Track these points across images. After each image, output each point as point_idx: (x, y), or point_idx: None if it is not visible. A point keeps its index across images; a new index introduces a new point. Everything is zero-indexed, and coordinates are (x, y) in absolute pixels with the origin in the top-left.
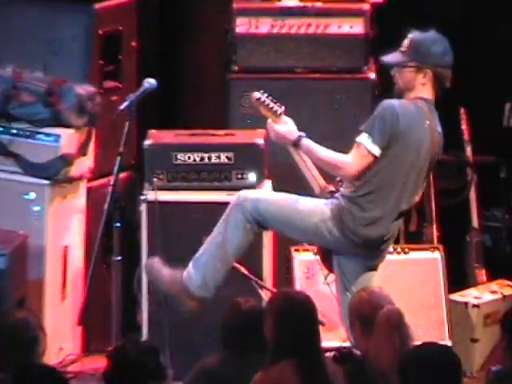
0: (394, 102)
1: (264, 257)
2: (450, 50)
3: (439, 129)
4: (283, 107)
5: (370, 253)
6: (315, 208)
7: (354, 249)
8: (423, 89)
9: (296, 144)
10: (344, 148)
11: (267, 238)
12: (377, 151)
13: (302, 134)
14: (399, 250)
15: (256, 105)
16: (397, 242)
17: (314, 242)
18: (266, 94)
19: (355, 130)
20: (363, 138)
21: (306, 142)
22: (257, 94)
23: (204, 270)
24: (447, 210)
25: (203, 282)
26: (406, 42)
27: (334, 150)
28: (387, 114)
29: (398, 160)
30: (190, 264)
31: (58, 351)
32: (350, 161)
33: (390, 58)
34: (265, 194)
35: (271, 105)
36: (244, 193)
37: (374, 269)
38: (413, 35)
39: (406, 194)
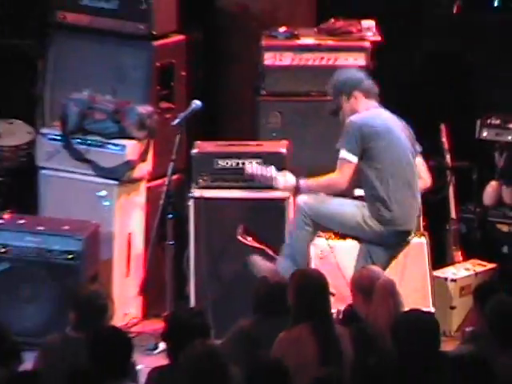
0: (354, 117)
1: (286, 236)
2: (356, 71)
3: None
4: (271, 168)
5: (400, 243)
6: (356, 210)
7: (392, 238)
8: (364, 102)
9: (298, 192)
10: None
11: (288, 217)
12: (354, 159)
13: (298, 181)
14: None
15: (250, 177)
16: None
17: (350, 234)
18: (255, 166)
19: None
20: (340, 154)
21: (303, 186)
22: (248, 169)
23: (289, 262)
24: (431, 205)
25: (292, 269)
26: (329, 91)
27: None
28: (351, 128)
29: (383, 159)
30: (279, 258)
31: (123, 316)
32: (338, 176)
33: (329, 110)
34: (317, 199)
35: (263, 174)
36: (301, 199)
37: (395, 257)
38: (328, 84)
39: (414, 191)
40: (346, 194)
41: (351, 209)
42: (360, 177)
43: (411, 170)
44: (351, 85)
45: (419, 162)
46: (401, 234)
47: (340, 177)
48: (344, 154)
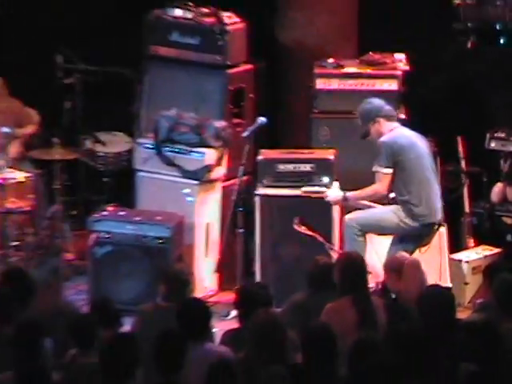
0: (384, 138)
1: (334, 230)
2: (377, 100)
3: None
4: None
5: (428, 234)
6: (393, 214)
7: (424, 231)
8: (387, 125)
9: (345, 201)
10: None
11: (336, 215)
12: (389, 170)
13: (345, 193)
14: None
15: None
16: None
17: (390, 233)
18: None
19: None
20: (376, 168)
21: (350, 197)
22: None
23: None
24: (449, 202)
25: None
26: (358, 120)
27: None
28: (383, 148)
29: (412, 168)
30: None
31: (203, 289)
32: (379, 186)
33: (360, 134)
34: (361, 213)
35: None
36: (348, 216)
37: (422, 246)
38: (356, 114)
39: (436, 190)
40: (383, 197)
41: (389, 214)
42: (393, 184)
43: (433, 173)
44: (374, 113)
45: None
46: (429, 225)
47: (381, 186)
48: (381, 169)
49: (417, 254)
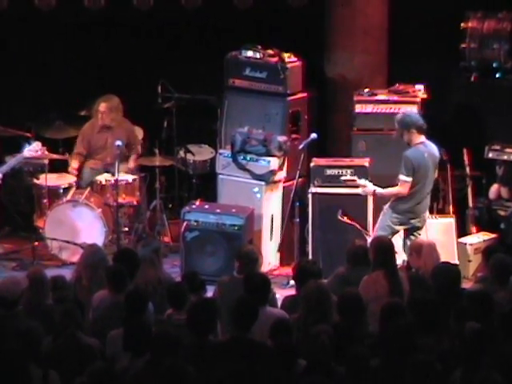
0: (408, 152)
1: (368, 217)
2: (415, 115)
3: (436, 153)
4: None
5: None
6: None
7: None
8: (417, 137)
9: (375, 195)
10: None
11: (370, 209)
12: (409, 179)
13: (375, 189)
14: (435, 217)
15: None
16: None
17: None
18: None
19: None
20: (400, 175)
21: (378, 192)
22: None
23: None
24: (457, 199)
25: None
26: (396, 124)
27: None
28: (406, 161)
29: (421, 182)
30: None
31: (267, 265)
32: (401, 189)
33: (395, 136)
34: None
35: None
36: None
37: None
38: (396, 120)
39: (427, 200)
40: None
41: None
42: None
43: (430, 187)
44: (410, 124)
45: None
46: (413, 227)
47: (402, 189)
48: (403, 177)
49: (432, 239)
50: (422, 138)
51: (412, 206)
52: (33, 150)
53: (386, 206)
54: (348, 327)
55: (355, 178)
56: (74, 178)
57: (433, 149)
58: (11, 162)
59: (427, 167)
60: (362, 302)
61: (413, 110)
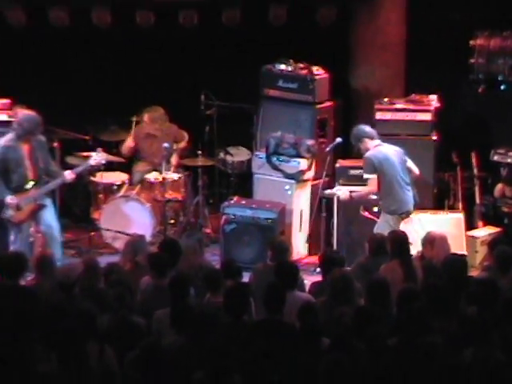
0: (367, 153)
1: None
2: (362, 126)
3: (397, 148)
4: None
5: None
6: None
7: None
8: (371, 143)
9: (352, 198)
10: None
11: None
12: (373, 176)
13: (351, 192)
14: (447, 212)
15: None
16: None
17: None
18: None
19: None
20: (365, 176)
21: (353, 194)
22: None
23: None
24: (467, 196)
25: None
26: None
27: None
28: (366, 161)
29: (387, 176)
30: None
31: (297, 254)
32: (370, 187)
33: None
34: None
35: (330, 193)
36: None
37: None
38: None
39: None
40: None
41: (384, 226)
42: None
43: (402, 178)
44: (358, 135)
45: (410, 163)
46: (401, 214)
47: (371, 186)
48: (367, 175)
49: (444, 232)
50: (377, 142)
51: (397, 203)
52: (98, 159)
53: (382, 213)
54: (368, 310)
55: (332, 191)
56: (127, 176)
57: (391, 148)
58: (79, 168)
59: (389, 161)
60: (388, 286)
61: (427, 117)
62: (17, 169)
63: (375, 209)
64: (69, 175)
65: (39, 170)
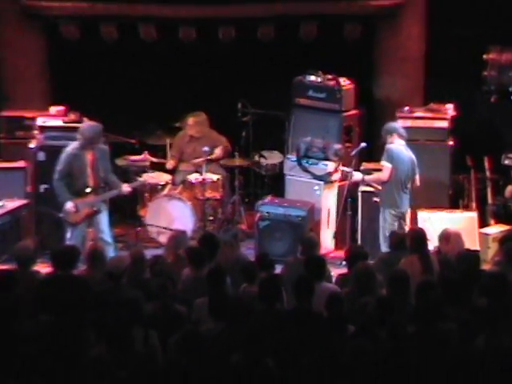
0: (391, 145)
1: (406, 215)
2: (398, 124)
3: (413, 157)
4: (351, 169)
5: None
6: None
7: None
8: (397, 141)
9: (363, 182)
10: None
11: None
12: (389, 165)
13: (363, 176)
14: (460, 211)
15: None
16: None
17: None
18: (345, 169)
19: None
20: (382, 162)
21: (366, 178)
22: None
23: None
24: (480, 197)
25: None
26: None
27: None
28: (389, 151)
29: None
30: None
31: (325, 249)
32: (382, 174)
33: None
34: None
35: (347, 170)
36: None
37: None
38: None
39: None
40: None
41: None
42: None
43: (405, 182)
44: (394, 129)
45: (417, 174)
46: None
47: (383, 173)
48: (384, 163)
49: (458, 229)
50: (403, 143)
51: (395, 200)
52: (154, 179)
53: (381, 209)
54: (389, 300)
55: (350, 169)
56: (170, 177)
57: (410, 153)
58: (135, 183)
59: (404, 163)
60: (408, 279)
61: (444, 124)
62: (79, 175)
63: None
64: (126, 188)
65: (99, 179)
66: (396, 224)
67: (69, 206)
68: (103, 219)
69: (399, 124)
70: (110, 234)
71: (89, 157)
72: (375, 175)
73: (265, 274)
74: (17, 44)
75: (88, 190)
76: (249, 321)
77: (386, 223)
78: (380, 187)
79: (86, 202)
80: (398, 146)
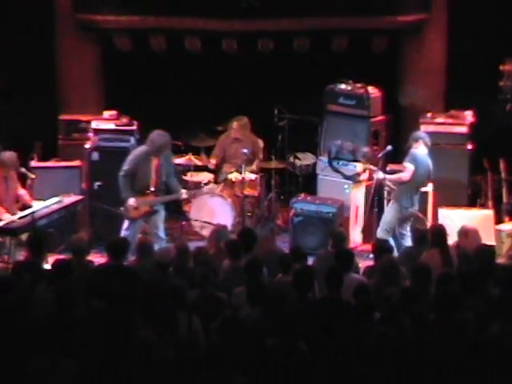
0: (414, 151)
1: (428, 209)
2: (425, 133)
3: (431, 166)
4: (376, 168)
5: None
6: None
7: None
8: (422, 148)
9: (384, 179)
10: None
11: (430, 199)
12: (413, 167)
13: (385, 176)
14: (478, 209)
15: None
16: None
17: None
18: (371, 167)
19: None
20: (405, 164)
21: (387, 177)
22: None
23: None
24: (496, 196)
25: None
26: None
27: None
28: (412, 156)
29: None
30: None
31: (353, 242)
32: (404, 174)
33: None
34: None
35: (373, 169)
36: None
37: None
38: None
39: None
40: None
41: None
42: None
43: (424, 184)
44: (420, 137)
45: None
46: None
47: (406, 174)
48: (407, 164)
49: (476, 225)
50: (426, 151)
51: (408, 200)
52: (210, 190)
53: (392, 201)
54: (412, 290)
55: (375, 168)
56: (212, 176)
57: (430, 162)
58: (193, 192)
59: (425, 167)
60: (429, 271)
61: (463, 129)
62: (142, 177)
63: None
64: (184, 194)
65: (160, 182)
66: (395, 219)
67: (131, 201)
68: (160, 217)
69: (426, 134)
70: (163, 230)
71: (154, 162)
72: (398, 175)
73: (298, 265)
74: (74, 54)
75: (149, 191)
76: (283, 307)
77: (389, 215)
78: (395, 187)
79: (146, 201)
80: (421, 151)
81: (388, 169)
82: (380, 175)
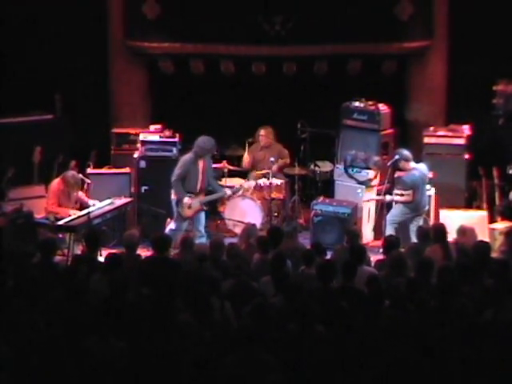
0: (405, 175)
1: (431, 211)
2: (403, 150)
3: (426, 171)
4: (383, 197)
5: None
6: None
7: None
8: (407, 164)
9: (384, 202)
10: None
11: (432, 203)
12: (410, 192)
13: (392, 197)
14: (474, 210)
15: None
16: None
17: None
18: (377, 198)
19: (457, 178)
20: (401, 192)
21: (396, 199)
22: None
23: None
24: (490, 199)
25: None
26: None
27: None
28: (404, 181)
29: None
30: None
31: (365, 239)
32: (407, 197)
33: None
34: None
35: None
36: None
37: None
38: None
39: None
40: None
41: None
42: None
43: (424, 194)
44: (401, 157)
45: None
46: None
47: (407, 199)
48: (404, 192)
49: (472, 225)
50: (413, 164)
51: (412, 209)
52: (251, 186)
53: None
54: (416, 281)
55: (381, 197)
56: (244, 181)
57: (421, 168)
58: (236, 190)
59: (419, 184)
60: (432, 264)
61: (461, 141)
62: (192, 178)
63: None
64: (228, 192)
65: (206, 183)
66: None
67: (187, 200)
68: (203, 215)
69: (401, 149)
70: (203, 224)
71: (201, 164)
72: (403, 198)
73: (319, 258)
74: (124, 76)
75: (197, 190)
76: (303, 295)
77: (392, 216)
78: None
79: (197, 200)
80: (408, 173)
81: (396, 175)
82: (387, 198)
